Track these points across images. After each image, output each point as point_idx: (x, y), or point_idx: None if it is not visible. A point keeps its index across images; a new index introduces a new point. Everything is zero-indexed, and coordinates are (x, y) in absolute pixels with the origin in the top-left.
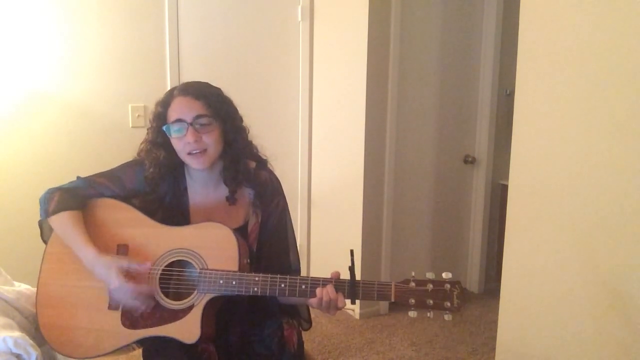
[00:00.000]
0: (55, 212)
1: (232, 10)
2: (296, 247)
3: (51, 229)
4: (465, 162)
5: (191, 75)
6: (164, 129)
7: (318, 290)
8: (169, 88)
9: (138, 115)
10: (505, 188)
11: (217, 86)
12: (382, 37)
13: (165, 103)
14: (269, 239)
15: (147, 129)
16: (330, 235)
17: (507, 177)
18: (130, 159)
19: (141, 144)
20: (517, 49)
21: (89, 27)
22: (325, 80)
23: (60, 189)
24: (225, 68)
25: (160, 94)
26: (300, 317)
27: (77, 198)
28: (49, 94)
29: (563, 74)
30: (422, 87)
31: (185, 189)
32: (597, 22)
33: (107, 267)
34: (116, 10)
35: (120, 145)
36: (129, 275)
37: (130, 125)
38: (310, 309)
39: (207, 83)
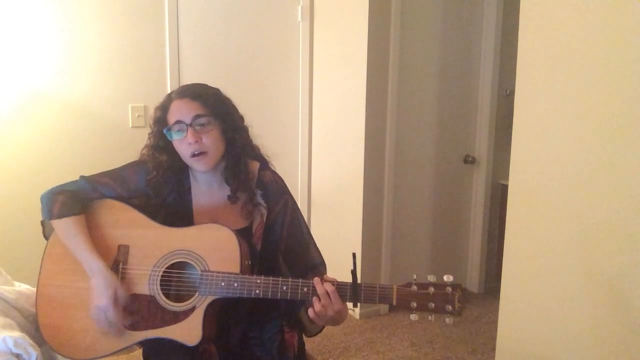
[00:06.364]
0: (59, 216)
1: (232, 10)
2: (314, 241)
3: (53, 227)
4: (465, 162)
5: (191, 75)
6: (165, 133)
7: (319, 286)
8: (169, 88)
9: (138, 115)
10: (505, 188)
11: (216, 86)
12: (382, 37)
13: (164, 107)
14: (287, 239)
15: (149, 134)
16: (330, 236)
17: (507, 177)
18: (133, 159)
19: (143, 149)
20: (517, 49)
21: (89, 27)
22: (325, 80)
23: (64, 192)
24: (225, 68)
25: (160, 94)
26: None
27: (80, 202)
28: (49, 94)
29: (563, 74)
30: (422, 87)
31: (189, 189)
32: (596, 22)
33: (105, 285)
34: (116, 10)
35: (120, 145)
36: (117, 300)
37: (130, 125)
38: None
39: (204, 84)
